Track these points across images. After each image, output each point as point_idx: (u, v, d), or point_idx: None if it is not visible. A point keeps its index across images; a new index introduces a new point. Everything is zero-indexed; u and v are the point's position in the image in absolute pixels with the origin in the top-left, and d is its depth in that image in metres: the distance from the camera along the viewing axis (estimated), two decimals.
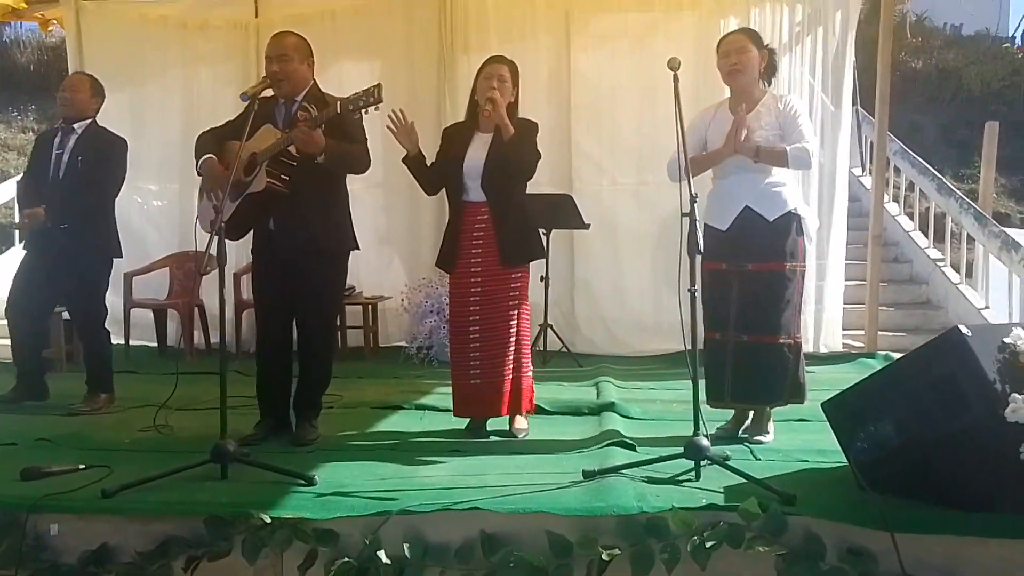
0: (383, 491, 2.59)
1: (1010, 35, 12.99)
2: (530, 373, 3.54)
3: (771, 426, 3.37)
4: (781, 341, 3.24)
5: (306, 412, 3.46)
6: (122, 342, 5.73)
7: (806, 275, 3.39)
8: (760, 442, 3.26)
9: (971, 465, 2.22)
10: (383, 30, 5.80)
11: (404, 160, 3.45)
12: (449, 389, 4.41)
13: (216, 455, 2.75)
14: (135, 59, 6.05)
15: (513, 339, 3.42)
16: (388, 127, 3.35)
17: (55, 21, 6.37)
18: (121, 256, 4.42)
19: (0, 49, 13.54)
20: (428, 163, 3.50)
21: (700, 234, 2.66)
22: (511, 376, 3.43)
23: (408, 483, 2.71)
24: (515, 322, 3.42)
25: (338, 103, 3.08)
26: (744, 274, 3.22)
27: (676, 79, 2.97)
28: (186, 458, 2.89)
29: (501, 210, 3.36)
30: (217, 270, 2.88)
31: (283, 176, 3.17)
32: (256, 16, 5.92)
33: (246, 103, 3.11)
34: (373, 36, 5.83)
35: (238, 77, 5.75)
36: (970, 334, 2.21)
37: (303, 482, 2.69)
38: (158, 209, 6.21)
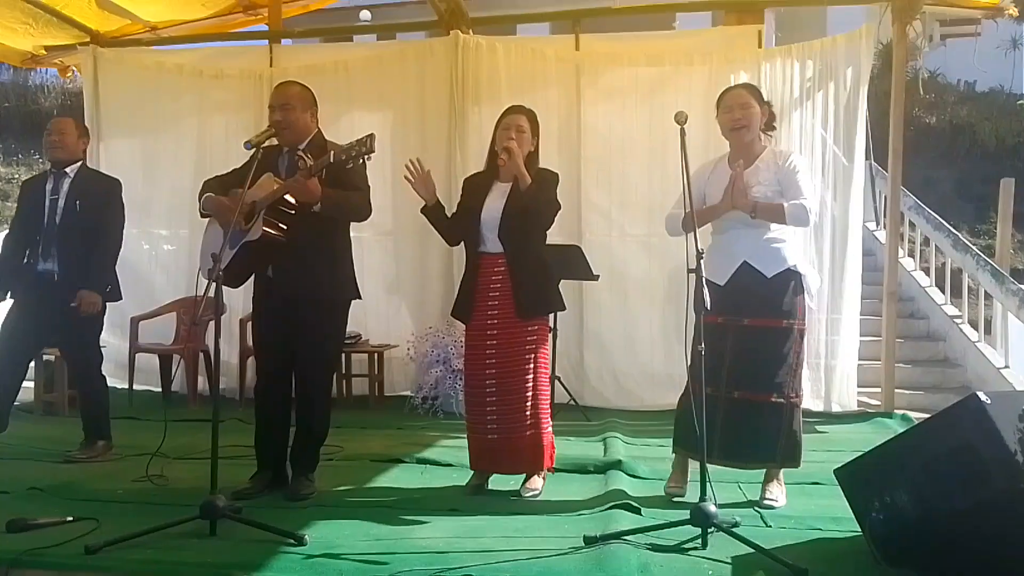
0: (375, 553, 2.49)
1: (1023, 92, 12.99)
2: (550, 429, 3.41)
3: (783, 491, 3.24)
4: (773, 400, 3.13)
5: (303, 466, 3.38)
6: (126, 387, 5.71)
7: (805, 334, 3.29)
8: (771, 506, 3.14)
9: (992, 541, 2.10)
10: (395, 82, 5.85)
11: (423, 211, 3.42)
12: (452, 443, 4.37)
13: (205, 511, 2.66)
14: (150, 105, 6.13)
15: (530, 393, 3.31)
16: (406, 177, 3.33)
17: (74, 67, 6.49)
18: (120, 299, 4.30)
19: (25, 94, 13.84)
20: (448, 212, 3.48)
21: (706, 291, 2.59)
22: (529, 432, 3.32)
23: (402, 545, 2.60)
24: (531, 376, 3.31)
25: (331, 152, 3.07)
26: (739, 328, 3.13)
27: (683, 133, 2.94)
28: (179, 511, 2.81)
29: (518, 261, 3.30)
30: (214, 318, 2.84)
31: (281, 225, 3.15)
32: (271, 66, 6.00)
33: (250, 151, 3.10)
34: (385, 87, 5.88)
35: (251, 125, 5.79)
36: (989, 401, 2.11)
37: (293, 541, 2.60)
38: (167, 254, 6.23)
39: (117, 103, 6.17)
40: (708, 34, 5.95)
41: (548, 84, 5.61)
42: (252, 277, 3.41)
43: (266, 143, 3.19)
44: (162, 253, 6.24)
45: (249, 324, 5.54)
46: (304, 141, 3.34)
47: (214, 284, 2.81)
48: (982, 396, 2.12)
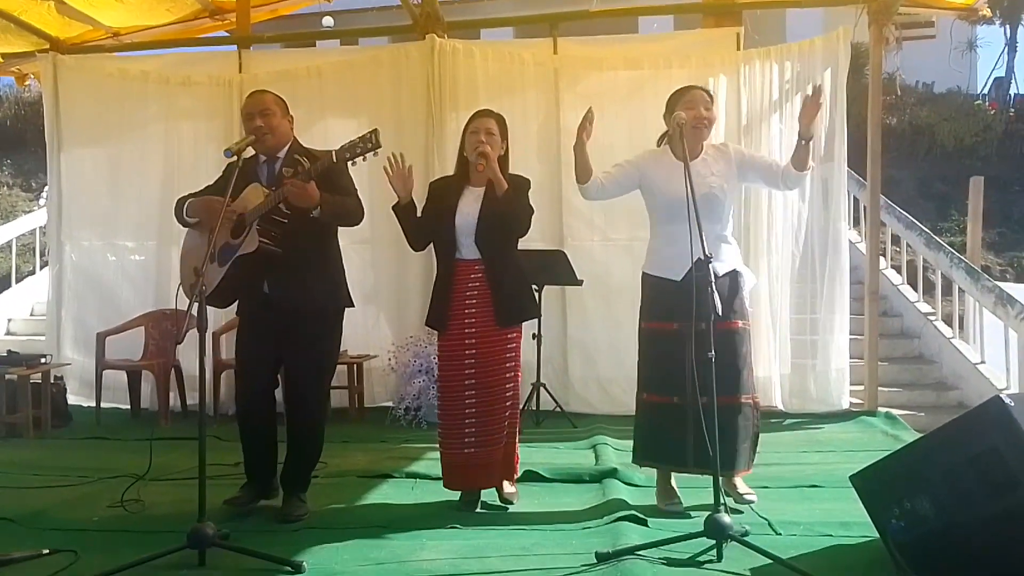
0: None
1: (979, 92, 13.29)
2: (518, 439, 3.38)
3: (743, 484, 3.25)
4: (744, 400, 3.14)
5: (295, 486, 3.25)
6: (93, 405, 5.49)
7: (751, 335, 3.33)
8: (751, 501, 3.14)
9: (1019, 548, 2.06)
10: (370, 87, 5.72)
11: (394, 207, 3.31)
12: (439, 454, 4.26)
13: (193, 540, 2.52)
14: (114, 114, 5.90)
15: (510, 403, 3.25)
16: (384, 168, 3.22)
17: (32, 75, 6.24)
18: None
19: None
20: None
21: (716, 295, 2.53)
22: (505, 443, 3.25)
23: (405, 569, 2.50)
24: (512, 385, 3.25)
25: (333, 153, 2.96)
26: (699, 333, 2.90)
27: (681, 135, 2.89)
28: (161, 538, 2.68)
29: (496, 267, 3.23)
30: (197, 334, 2.70)
31: (274, 234, 3.02)
32: (240, 72, 5.82)
33: (229, 159, 2.97)
34: (360, 93, 5.75)
35: (221, 133, 5.63)
36: (1013, 404, 2.07)
37: (290, 569, 2.47)
38: (134, 266, 6.00)
39: (79, 112, 5.93)
40: (686, 37, 5.91)
41: (526, 88, 5.54)
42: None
43: (244, 154, 3.07)
44: (129, 265, 6.01)
45: (222, 337, 5.40)
46: (283, 148, 3.23)
47: (198, 300, 2.67)
48: (1005, 398, 2.08)
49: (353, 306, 3.35)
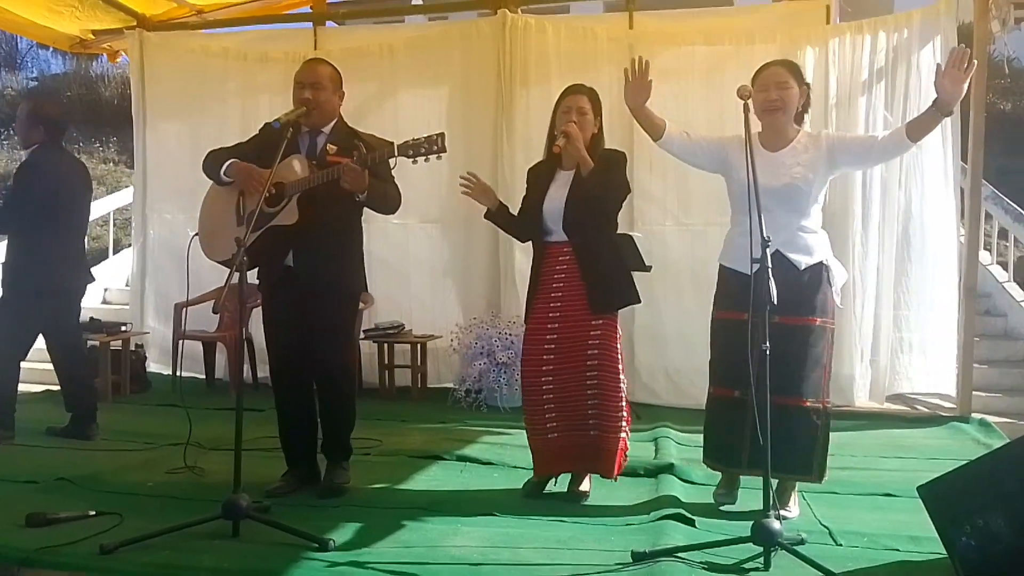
0: (403, 563, 2.32)
1: None
2: (622, 434, 3.16)
3: (795, 499, 2.99)
4: (809, 404, 2.89)
5: (336, 455, 3.25)
6: (171, 373, 5.68)
7: (835, 334, 3.05)
8: (785, 518, 2.85)
9: None
10: (442, 63, 5.65)
11: (487, 216, 3.31)
12: (494, 439, 4.22)
13: (227, 511, 2.52)
14: (195, 89, 6.06)
15: (592, 392, 3.08)
16: (463, 192, 3.23)
17: (123, 52, 6.48)
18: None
19: (86, 83, 14.11)
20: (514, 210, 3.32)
21: (772, 283, 2.33)
22: (592, 432, 3.10)
23: (433, 554, 2.42)
24: (595, 373, 3.08)
25: (395, 146, 2.92)
26: (770, 326, 2.72)
27: (747, 108, 2.71)
28: (206, 507, 2.70)
29: (586, 251, 3.10)
30: (240, 306, 2.70)
31: (310, 210, 2.99)
32: (315, 48, 5.86)
33: (277, 130, 2.94)
34: (431, 69, 5.69)
35: None
36: None
37: (316, 545, 2.43)
38: None
39: (163, 88, 6.12)
40: (770, 10, 5.58)
41: (600, 65, 5.31)
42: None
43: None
44: None
45: None
46: (329, 124, 3.20)
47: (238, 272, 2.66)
48: None
49: (367, 290, 3.36)
